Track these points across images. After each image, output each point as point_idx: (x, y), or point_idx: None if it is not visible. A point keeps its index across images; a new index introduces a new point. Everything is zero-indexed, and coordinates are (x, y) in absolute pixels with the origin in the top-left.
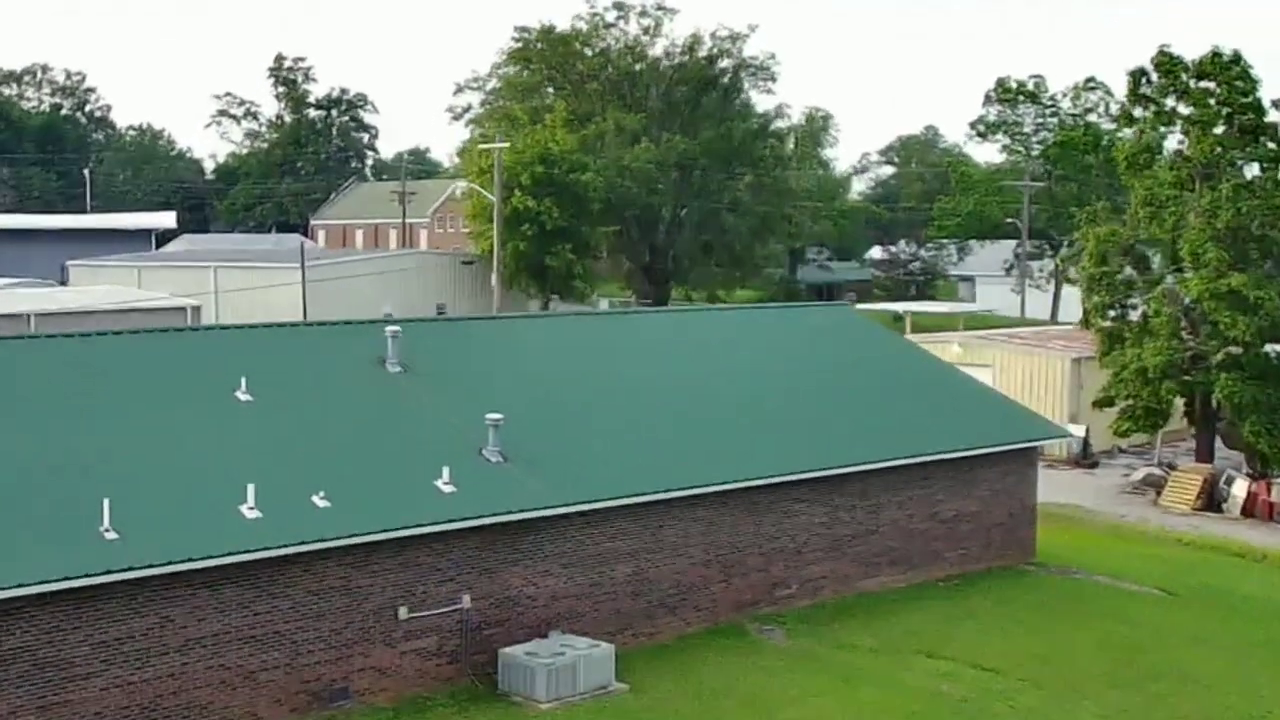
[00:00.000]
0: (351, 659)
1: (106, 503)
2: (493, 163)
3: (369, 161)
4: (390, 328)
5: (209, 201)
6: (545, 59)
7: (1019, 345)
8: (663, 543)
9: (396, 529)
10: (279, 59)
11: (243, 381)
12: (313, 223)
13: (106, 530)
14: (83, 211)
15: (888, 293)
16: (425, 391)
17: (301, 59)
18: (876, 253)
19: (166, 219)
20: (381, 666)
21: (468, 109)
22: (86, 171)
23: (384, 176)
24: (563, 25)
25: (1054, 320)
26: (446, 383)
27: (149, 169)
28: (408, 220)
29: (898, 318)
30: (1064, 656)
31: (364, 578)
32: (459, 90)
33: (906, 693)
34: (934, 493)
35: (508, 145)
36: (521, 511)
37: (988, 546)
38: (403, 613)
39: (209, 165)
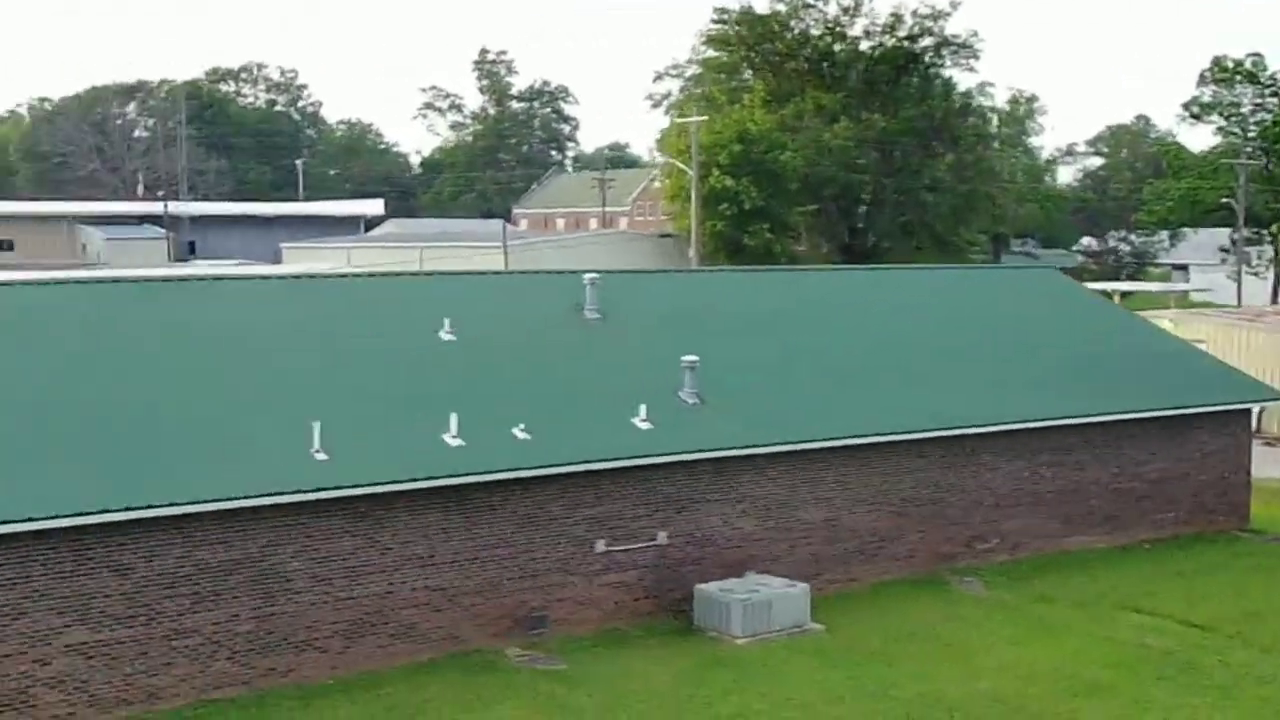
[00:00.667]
0: (550, 588)
1: (317, 426)
2: (690, 143)
3: (570, 153)
4: (589, 275)
5: (414, 192)
6: (744, 41)
7: (1234, 319)
8: (859, 490)
9: (594, 461)
10: (483, 52)
11: (446, 322)
12: (515, 211)
13: (317, 451)
14: (294, 201)
15: (1096, 279)
16: (622, 337)
17: (504, 52)
18: (1085, 243)
19: (375, 206)
20: (579, 597)
21: (667, 96)
22: (299, 163)
23: (583, 169)
24: (761, 7)
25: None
26: (643, 330)
27: (357, 162)
28: (607, 209)
29: (1107, 295)
30: (1279, 615)
31: (562, 510)
32: (658, 78)
33: (1110, 644)
34: (1141, 452)
35: (705, 120)
36: (716, 450)
37: (1198, 510)
38: (600, 546)
39: (415, 159)
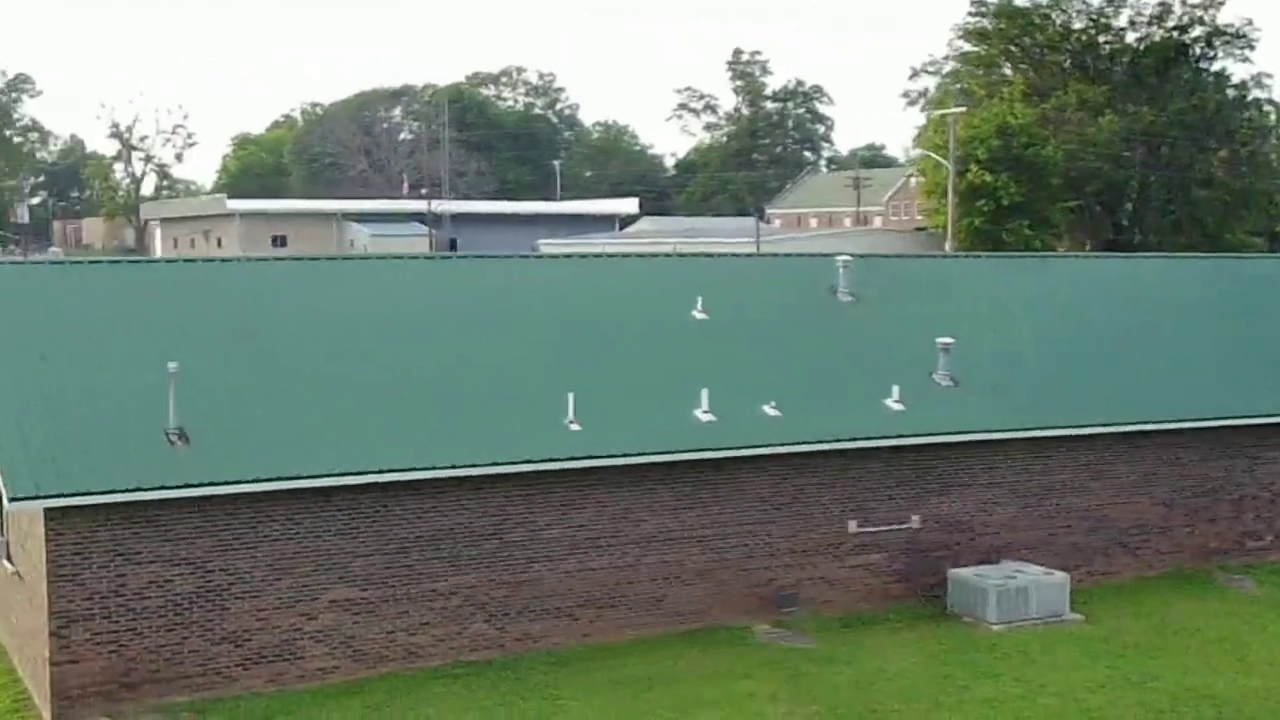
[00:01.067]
0: (800, 567)
1: (571, 398)
2: (948, 136)
3: (824, 154)
4: (842, 258)
5: (668, 192)
6: (1002, 34)
7: None
8: (1124, 479)
9: (846, 439)
10: (737, 53)
11: (698, 301)
12: (768, 211)
13: (571, 422)
14: (551, 201)
15: None
16: (874, 319)
17: (758, 53)
18: None
19: (630, 205)
20: (830, 578)
21: (924, 93)
22: (556, 164)
23: (837, 170)
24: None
25: None
26: (895, 312)
27: (613, 163)
28: (862, 208)
29: None
30: None
31: (813, 488)
32: (914, 74)
33: None
34: None
35: (964, 111)
36: (972, 432)
37: None
38: (852, 526)
39: (669, 161)
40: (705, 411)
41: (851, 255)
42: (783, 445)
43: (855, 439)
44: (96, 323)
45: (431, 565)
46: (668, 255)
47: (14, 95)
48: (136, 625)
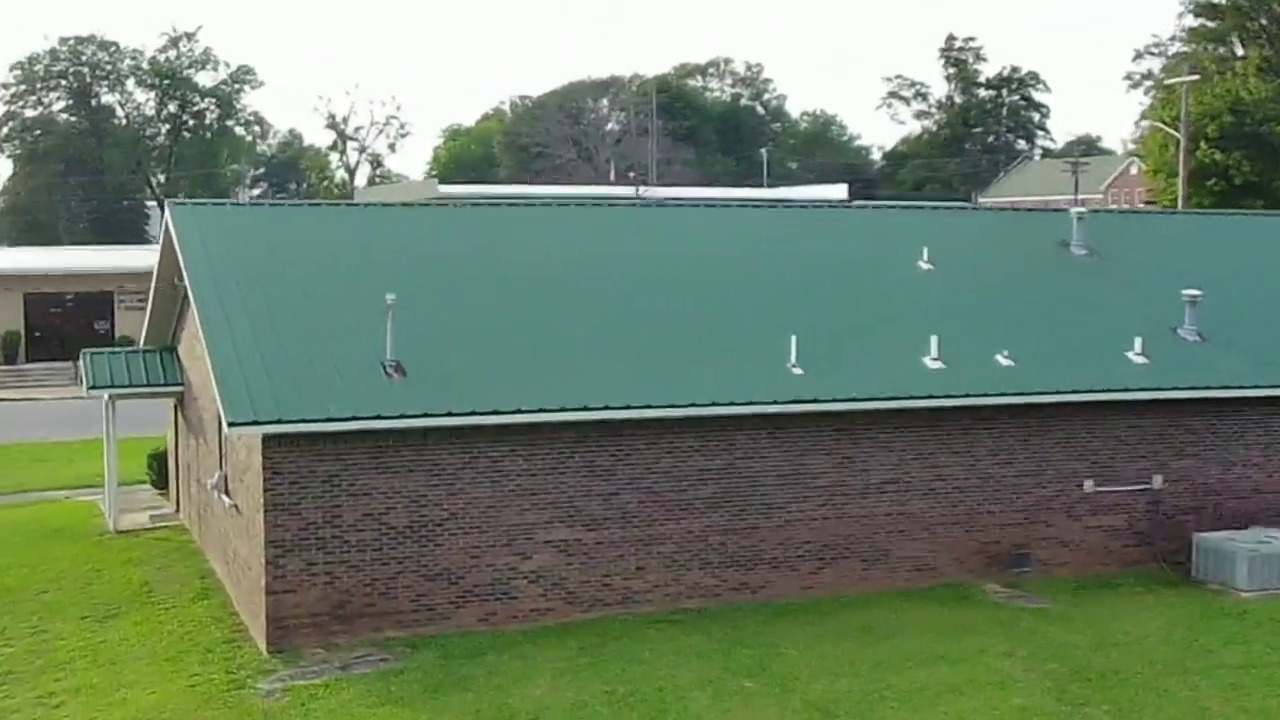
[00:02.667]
0: (1033, 526)
1: (794, 340)
2: (1180, 109)
3: (1039, 142)
4: (1076, 210)
5: (876, 181)
6: (1236, 8)
7: None
8: None
9: (1084, 392)
10: (950, 39)
11: (924, 251)
12: (979, 200)
13: (793, 366)
14: (759, 188)
15: None
16: (1112, 273)
17: (972, 39)
18: None
19: (839, 191)
20: (1064, 538)
21: (1147, 75)
22: (763, 152)
23: (1052, 159)
24: None
25: None
26: (1134, 266)
27: (819, 153)
28: (1079, 196)
29: None
30: None
31: (1048, 443)
32: (1138, 56)
33: None
34: None
35: (1195, 79)
36: (1222, 388)
37: None
38: (1088, 485)
39: (876, 155)
40: (934, 359)
41: (1087, 209)
42: (1018, 395)
43: (1093, 390)
44: (314, 260)
45: (649, 509)
46: (891, 206)
47: (236, 86)
48: (350, 558)
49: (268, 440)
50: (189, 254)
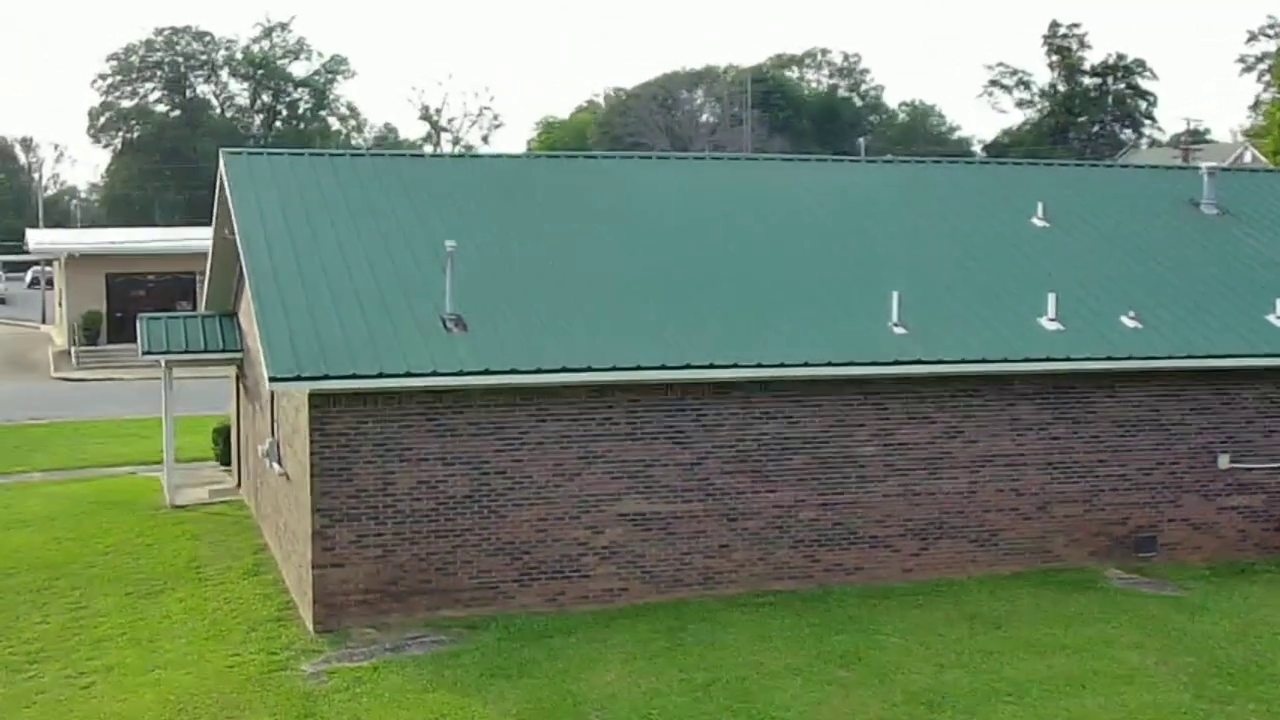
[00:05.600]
0: (1160, 506)
1: (896, 297)
2: None
3: (1145, 130)
4: (1207, 166)
5: None
6: None
7: None
8: None
9: (1219, 356)
10: (1053, 26)
11: (1039, 208)
12: None
13: (895, 325)
14: None
15: None
16: (1246, 233)
17: (1076, 25)
18: None
19: None
20: (1195, 520)
21: (1260, 59)
22: (861, 141)
23: (1158, 149)
24: None
25: None
26: (1270, 227)
27: (917, 143)
28: None
29: None
30: None
31: (1177, 414)
32: (1252, 38)
33: None
34: None
35: None
36: None
37: None
38: (1223, 461)
39: (976, 146)
40: (1051, 320)
41: (1216, 166)
42: (1146, 360)
43: (1232, 356)
44: (370, 211)
45: (734, 480)
46: (1001, 162)
47: (330, 77)
48: (405, 529)
49: (315, 398)
50: (239, 203)
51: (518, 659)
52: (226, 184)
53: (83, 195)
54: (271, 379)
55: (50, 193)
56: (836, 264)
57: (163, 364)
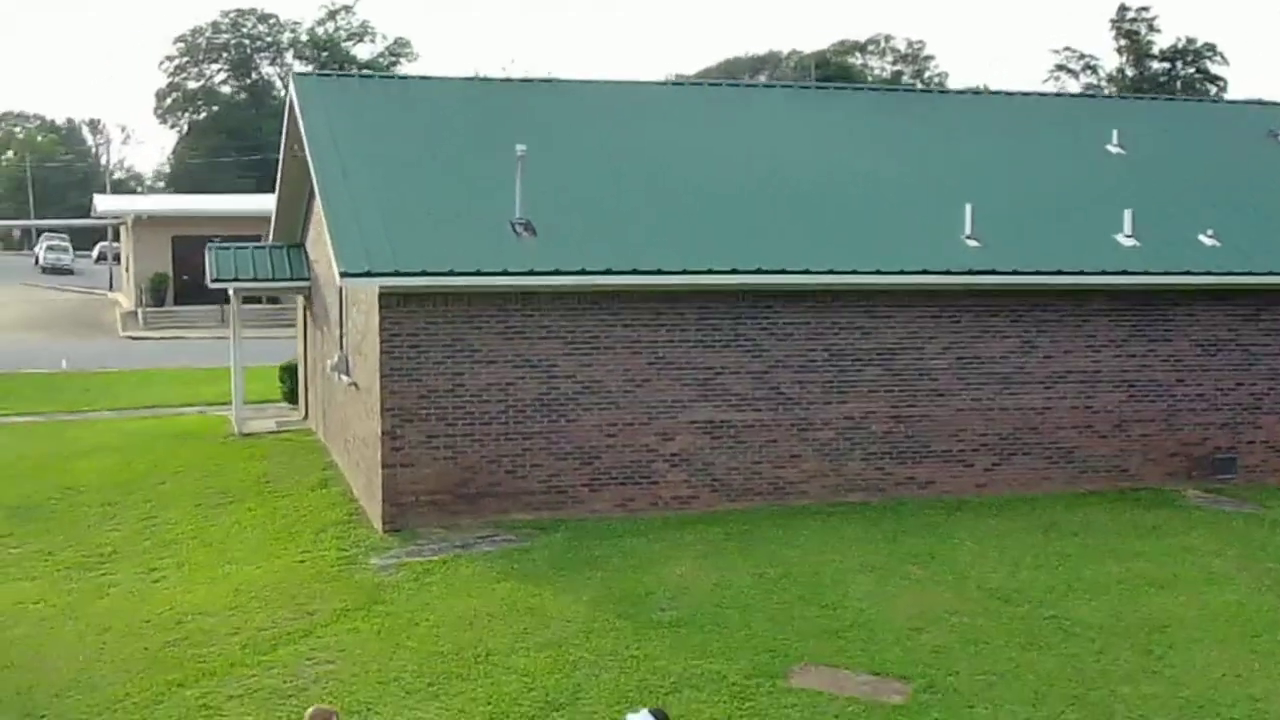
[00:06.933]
0: (1239, 427)
1: (969, 209)
2: None
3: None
4: None
5: None
6: None
7: None
8: None
9: None
10: (1121, 10)
11: (1114, 135)
12: None
13: (968, 238)
14: None
15: None
16: None
17: (1145, 9)
18: None
19: None
20: (1275, 442)
21: None
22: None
23: None
24: None
25: None
26: None
27: None
28: None
29: None
30: None
31: (1258, 334)
32: None
33: None
34: None
35: None
36: None
37: None
38: None
39: None
40: (1128, 236)
41: None
42: (1227, 275)
43: None
44: (438, 127)
45: (806, 391)
46: (1073, 96)
47: (394, 59)
48: (475, 431)
49: (385, 299)
50: (309, 119)
51: (588, 555)
52: (296, 103)
53: (148, 181)
54: (342, 274)
55: (117, 176)
56: (910, 183)
57: (230, 292)
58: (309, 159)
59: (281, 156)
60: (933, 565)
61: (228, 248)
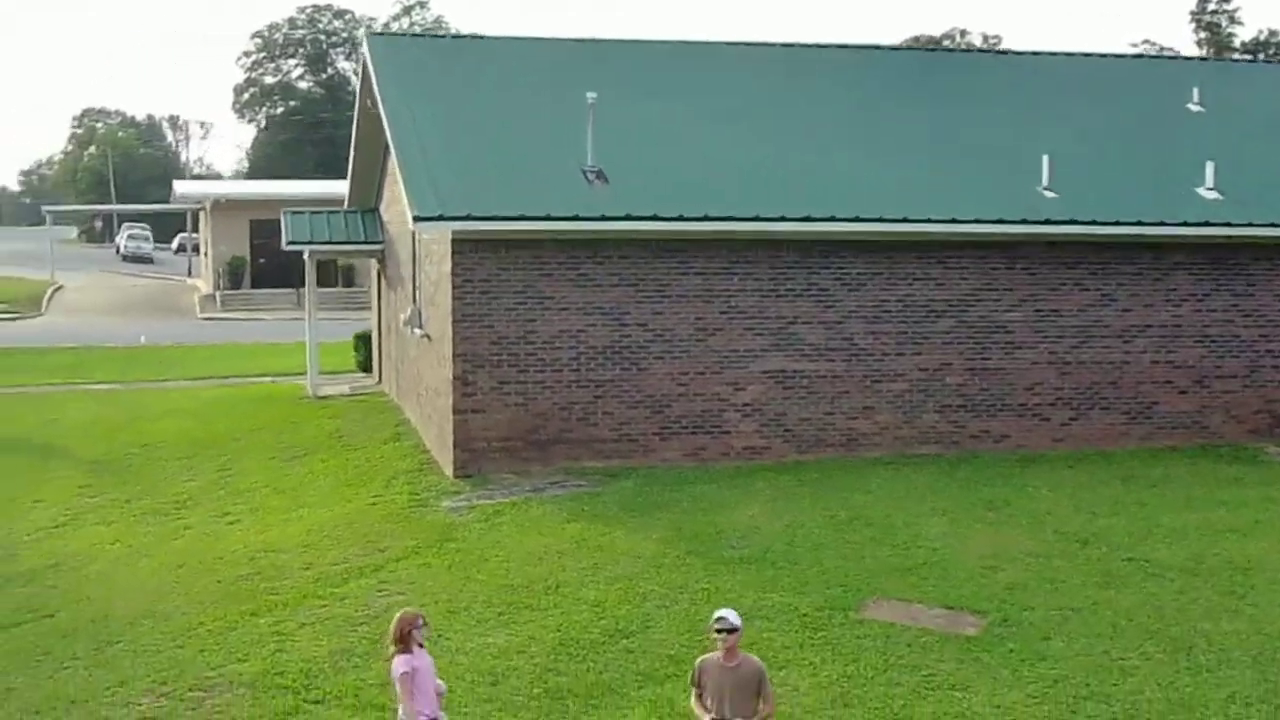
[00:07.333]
0: None
1: (1045, 159)
2: None
3: None
4: None
5: None
6: None
7: None
8: None
9: None
10: (1202, 2)
11: (1194, 93)
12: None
13: (1045, 189)
14: None
15: None
16: None
17: (1227, 0)
18: None
19: None
20: None
21: None
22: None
23: None
24: None
25: None
26: None
27: None
28: None
29: None
30: None
31: None
32: None
33: None
34: None
35: None
36: None
37: None
38: None
39: None
40: (1210, 189)
41: None
42: None
43: None
44: (510, 83)
45: (879, 342)
46: (1154, 57)
47: None
48: (546, 378)
49: (457, 244)
50: (383, 74)
51: (659, 499)
52: (370, 61)
53: (226, 176)
54: (415, 218)
55: (195, 172)
56: (986, 138)
57: (305, 256)
58: (382, 112)
59: (356, 120)
60: (1007, 511)
61: (303, 212)
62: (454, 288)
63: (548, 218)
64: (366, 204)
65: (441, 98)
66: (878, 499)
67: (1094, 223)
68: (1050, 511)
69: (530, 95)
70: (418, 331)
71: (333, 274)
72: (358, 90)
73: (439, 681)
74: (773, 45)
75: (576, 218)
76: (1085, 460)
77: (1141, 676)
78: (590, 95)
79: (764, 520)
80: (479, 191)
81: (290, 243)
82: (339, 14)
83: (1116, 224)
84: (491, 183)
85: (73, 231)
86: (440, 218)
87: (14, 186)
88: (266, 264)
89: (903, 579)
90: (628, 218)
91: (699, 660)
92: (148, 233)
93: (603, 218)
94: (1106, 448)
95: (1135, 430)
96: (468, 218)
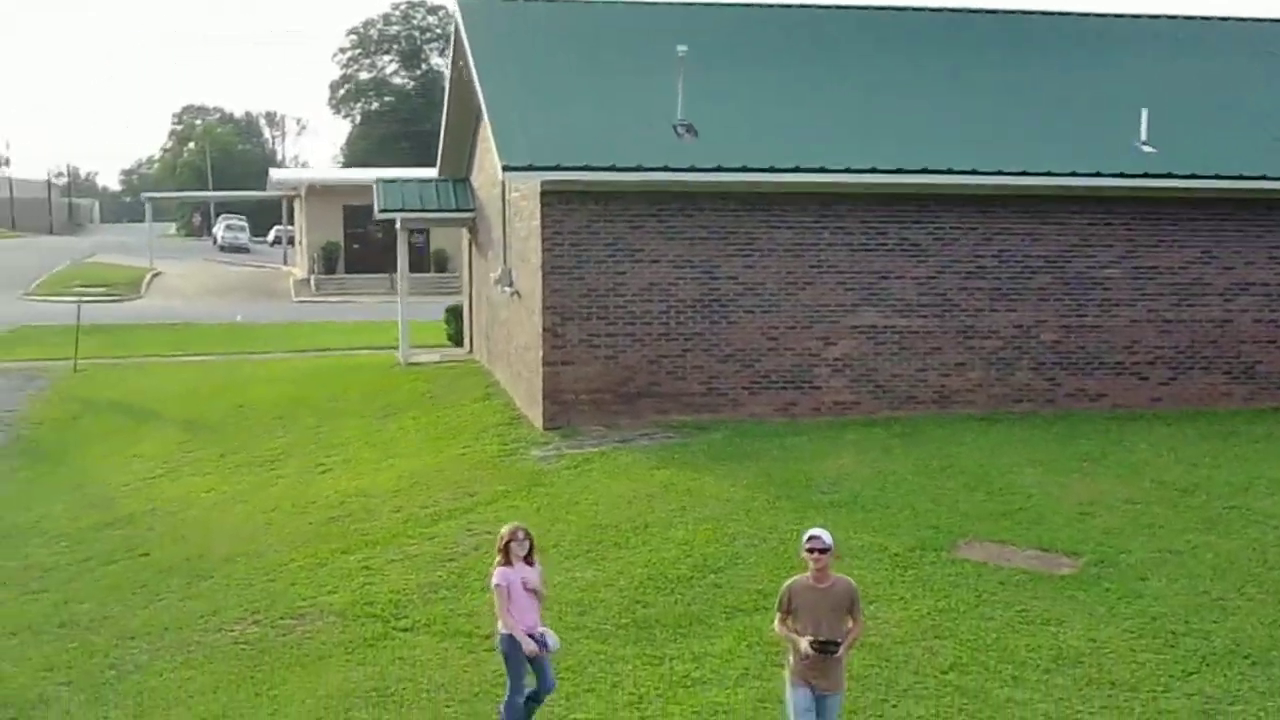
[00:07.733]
0: None
1: (1144, 114)
2: None
3: None
4: None
5: None
6: None
7: None
8: None
9: None
10: None
11: None
12: None
13: (1143, 144)
14: None
15: None
16: None
17: None
18: None
19: None
20: None
21: None
22: None
23: None
24: None
25: None
26: None
27: None
28: None
29: None
30: None
31: None
32: None
33: None
34: None
35: None
36: None
37: None
38: None
39: None
40: None
41: None
42: None
43: None
44: (601, 38)
45: (973, 298)
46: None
47: None
48: (635, 331)
49: (546, 195)
50: (474, 36)
51: (748, 449)
52: (461, 24)
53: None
54: (505, 168)
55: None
56: (1083, 95)
57: (397, 224)
58: (473, 70)
59: (448, 86)
60: (1105, 462)
61: (394, 181)
62: (543, 240)
63: (638, 168)
64: (458, 173)
65: (531, 57)
66: (970, 450)
67: (1193, 176)
68: (1148, 463)
69: (619, 56)
70: (508, 290)
71: (425, 259)
72: (450, 56)
73: (541, 589)
74: (860, 8)
75: (666, 169)
76: (1185, 419)
77: (1243, 615)
78: (681, 48)
79: (855, 468)
80: (569, 143)
81: (383, 210)
82: (433, 9)
83: (1216, 177)
84: (581, 135)
85: (172, 227)
86: (530, 167)
87: (115, 186)
88: (360, 249)
89: (996, 523)
90: (718, 169)
91: (787, 583)
92: (244, 224)
93: (692, 169)
94: (1206, 408)
95: (1238, 390)
96: (557, 168)
